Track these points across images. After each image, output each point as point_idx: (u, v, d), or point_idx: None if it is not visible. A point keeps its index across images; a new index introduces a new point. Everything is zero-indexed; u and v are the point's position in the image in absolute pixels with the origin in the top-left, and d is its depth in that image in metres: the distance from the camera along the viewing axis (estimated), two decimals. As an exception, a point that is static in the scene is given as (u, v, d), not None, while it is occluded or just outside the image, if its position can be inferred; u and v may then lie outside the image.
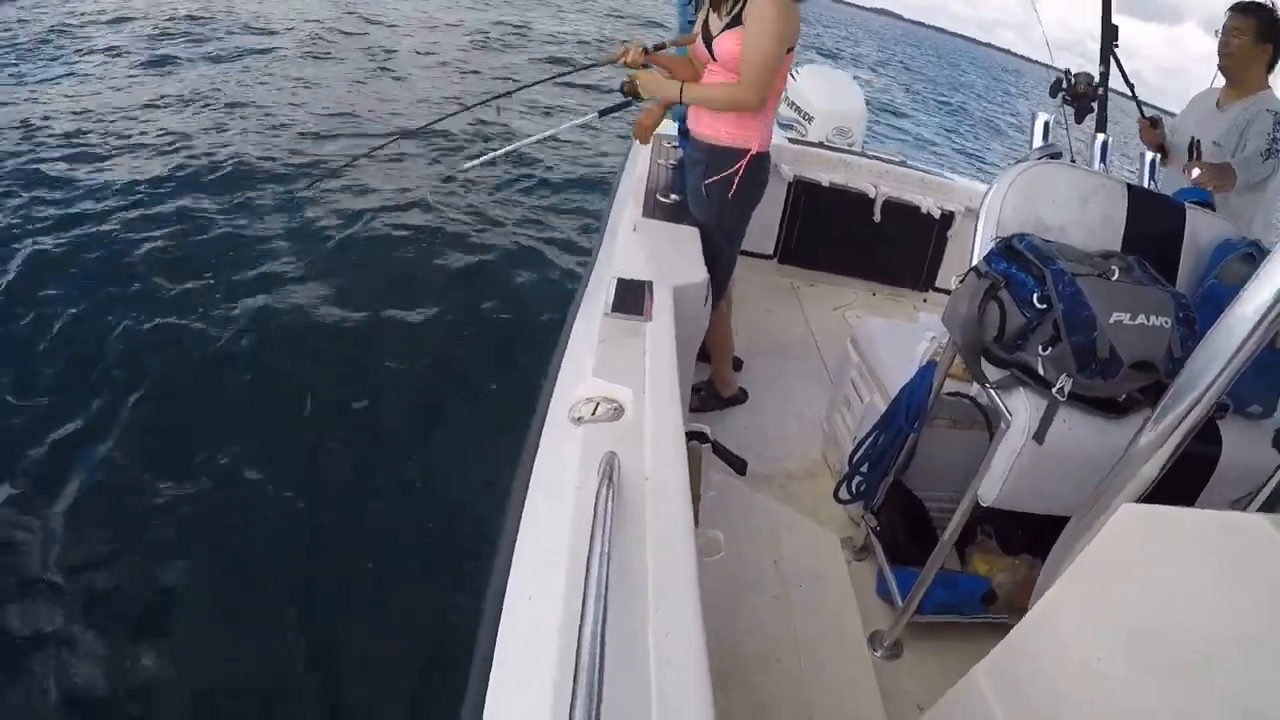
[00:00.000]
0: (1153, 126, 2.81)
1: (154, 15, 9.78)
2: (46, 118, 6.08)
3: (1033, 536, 1.92)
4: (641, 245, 1.98)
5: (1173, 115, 2.86)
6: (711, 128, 2.16)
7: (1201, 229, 1.61)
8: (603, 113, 2.83)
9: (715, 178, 2.18)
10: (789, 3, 1.93)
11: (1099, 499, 1.28)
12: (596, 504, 0.93)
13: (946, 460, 1.87)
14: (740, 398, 2.72)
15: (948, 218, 3.58)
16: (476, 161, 3.65)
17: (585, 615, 0.76)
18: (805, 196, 3.60)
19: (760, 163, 2.20)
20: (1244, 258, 1.59)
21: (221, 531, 2.64)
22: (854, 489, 1.84)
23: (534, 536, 1.00)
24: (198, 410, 3.22)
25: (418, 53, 10.40)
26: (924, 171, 3.83)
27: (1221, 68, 2.62)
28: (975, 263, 1.44)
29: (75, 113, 6.31)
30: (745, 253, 3.66)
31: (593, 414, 1.21)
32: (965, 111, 21.53)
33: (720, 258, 2.36)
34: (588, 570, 0.82)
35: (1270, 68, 2.58)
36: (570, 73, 4.32)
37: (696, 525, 1.18)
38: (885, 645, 1.86)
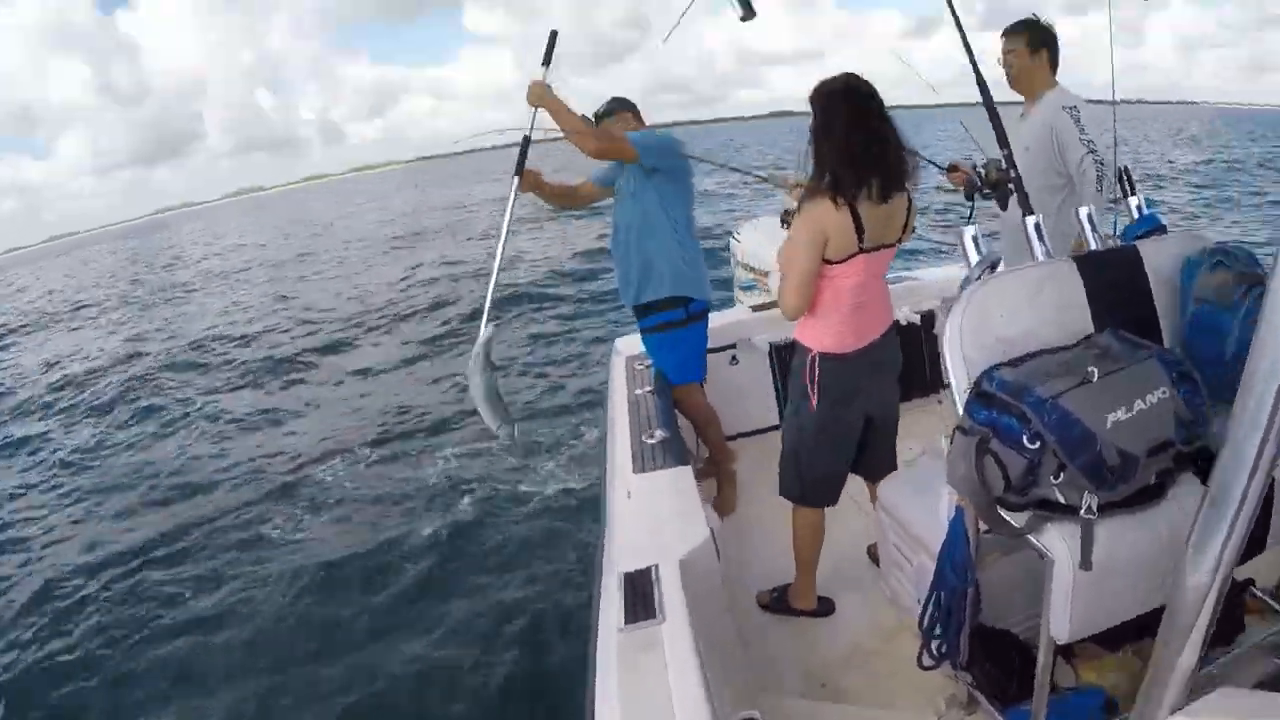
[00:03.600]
0: (952, 170, 2.79)
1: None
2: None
3: (1133, 624, 1.81)
4: (639, 516, 1.96)
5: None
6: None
7: (1158, 259, 1.54)
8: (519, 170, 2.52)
9: (796, 383, 2.23)
10: (814, 211, 1.94)
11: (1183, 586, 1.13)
12: None
13: (1016, 587, 1.80)
14: (822, 610, 2.46)
15: (927, 317, 3.59)
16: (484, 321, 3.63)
17: None
18: (787, 358, 3.61)
19: (829, 365, 2.15)
20: (1213, 267, 1.52)
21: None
22: (936, 652, 1.75)
23: None
24: None
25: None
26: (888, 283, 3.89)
27: (1015, 88, 2.83)
28: (959, 419, 1.42)
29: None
30: (748, 433, 3.64)
31: None
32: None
33: (799, 463, 2.29)
34: None
35: (1053, 68, 2.79)
36: (743, 172, 4.27)
37: None
38: None
